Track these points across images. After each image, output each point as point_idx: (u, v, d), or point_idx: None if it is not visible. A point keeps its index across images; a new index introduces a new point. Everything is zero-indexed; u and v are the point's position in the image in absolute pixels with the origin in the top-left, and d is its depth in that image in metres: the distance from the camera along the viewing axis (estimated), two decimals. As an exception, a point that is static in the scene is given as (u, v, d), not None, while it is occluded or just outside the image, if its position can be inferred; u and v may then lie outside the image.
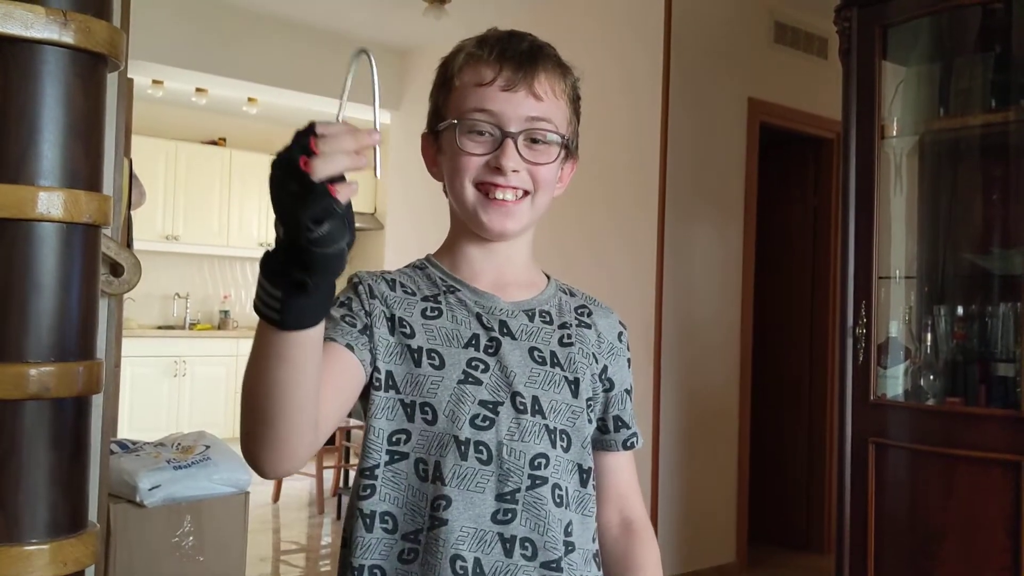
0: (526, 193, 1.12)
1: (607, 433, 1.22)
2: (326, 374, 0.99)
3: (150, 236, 6.60)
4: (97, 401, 1.60)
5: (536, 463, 1.09)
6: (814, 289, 4.88)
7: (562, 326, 1.18)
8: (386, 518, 1.08)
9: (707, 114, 4.28)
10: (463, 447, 1.06)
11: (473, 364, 1.10)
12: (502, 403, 1.09)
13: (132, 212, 3.10)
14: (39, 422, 1.14)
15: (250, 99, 6.69)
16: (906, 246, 2.98)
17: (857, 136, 2.86)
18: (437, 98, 1.18)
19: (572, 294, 1.25)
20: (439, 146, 1.16)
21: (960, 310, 2.83)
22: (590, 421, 1.16)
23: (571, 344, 1.16)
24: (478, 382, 1.09)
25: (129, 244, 2.99)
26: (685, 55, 4.16)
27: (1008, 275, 2.74)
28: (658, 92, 4.09)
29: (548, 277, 1.25)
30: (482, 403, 1.08)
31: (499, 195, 1.11)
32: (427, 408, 1.07)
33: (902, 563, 2.71)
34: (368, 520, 1.08)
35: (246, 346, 7.40)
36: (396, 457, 1.08)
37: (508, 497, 1.07)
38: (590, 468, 1.15)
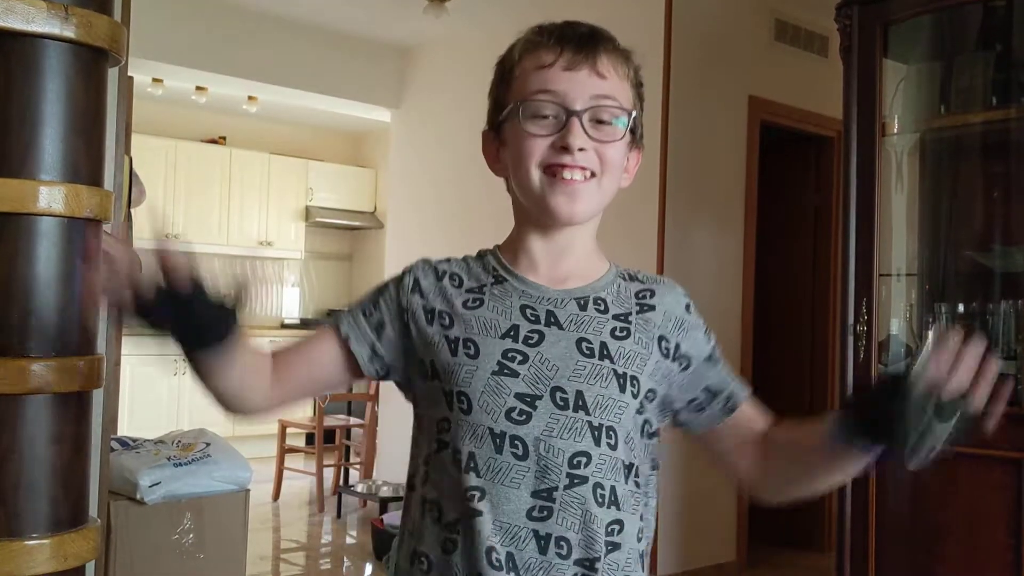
0: (593, 175, 1.10)
1: (702, 411, 1.18)
2: (305, 346, 1.17)
3: (150, 234, 6.59)
4: (98, 397, 1.60)
5: (576, 461, 1.05)
6: (815, 287, 4.88)
7: (618, 316, 1.13)
8: (434, 507, 1.08)
9: (707, 112, 4.28)
10: (498, 440, 1.05)
11: (509, 355, 1.08)
12: (540, 397, 1.06)
13: (132, 210, 3.10)
14: (40, 417, 1.14)
15: (250, 97, 6.69)
16: (907, 244, 2.98)
17: (858, 134, 2.86)
18: (497, 93, 1.16)
19: (634, 278, 1.20)
20: (501, 140, 1.15)
21: (961, 308, 2.83)
22: (639, 411, 1.10)
23: (626, 336, 1.11)
24: (514, 374, 1.06)
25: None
26: (685, 53, 4.16)
27: (1009, 272, 2.74)
28: (658, 90, 4.09)
29: (611, 264, 1.21)
30: (519, 396, 1.06)
31: (567, 175, 1.08)
32: (463, 397, 1.06)
33: (903, 561, 2.71)
34: (421, 508, 1.10)
35: (246, 345, 7.44)
36: (441, 445, 1.08)
37: (545, 495, 1.04)
38: (638, 466, 1.11)
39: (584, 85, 1.09)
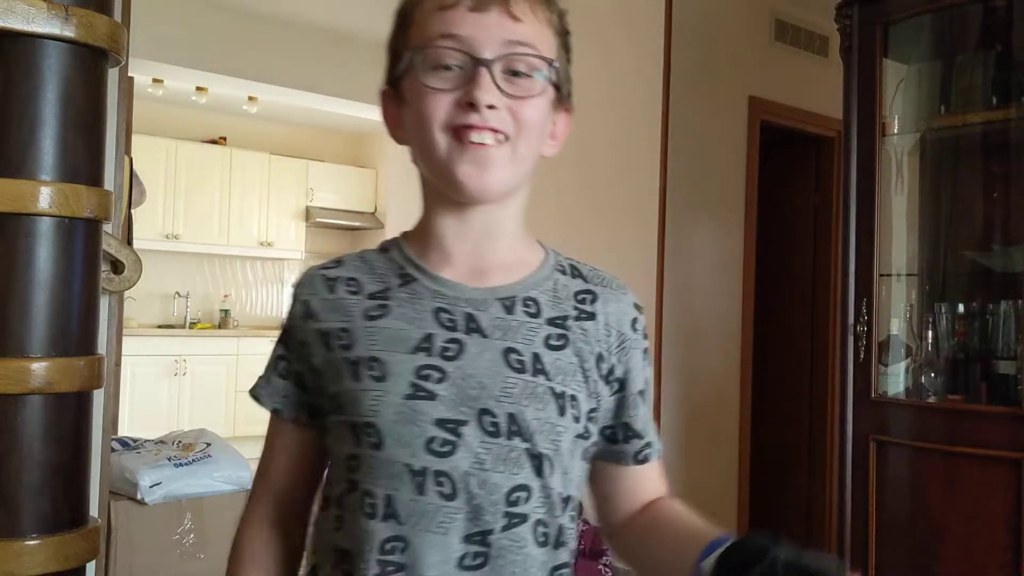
0: (507, 138, 0.90)
1: (615, 443, 1.00)
2: (288, 460, 0.99)
3: (150, 235, 6.60)
4: (98, 397, 1.60)
5: (514, 498, 0.88)
6: (815, 287, 4.88)
7: (553, 321, 0.94)
8: (345, 560, 0.91)
9: (707, 112, 4.28)
10: (419, 478, 0.86)
11: (423, 373, 0.89)
12: (466, 423, 0.87)
13: (132, 210, 3.10)
14: (41, 417, 1.14)
15: (250, 98, 6.69)
16: (907, 244, 2.98)
17: (858, 134, 2.86)
18: (395, 42, 0.97)
19: (576, 273, 1.01)
20: (401, 99, 0.95)
21: (961, 308, 2.83)
22: (584, 436, 0.94)
23: (563, 346, 0.93)
24: (431, 396, 0.88)
25: (129, 242, 2.99)
26: (685, 53, 4.16)
27: (1009, 272, 2.74)
28: (658, 90, 4.09)
29: (547, 253, 1.02)
30: (439, 423, 0.87)
31: (474, 137, 0.89)
32: (371, 430, 0.88)
33: (903, 561, 2.71)
34: (329, 556, 0.93)
35: (247, 345, 7.40)
36: (351, 486, 0.90)
37: (479, 539, 0.87)
38: (572, 497, 0.95)
39: (494, 29, 0.89)
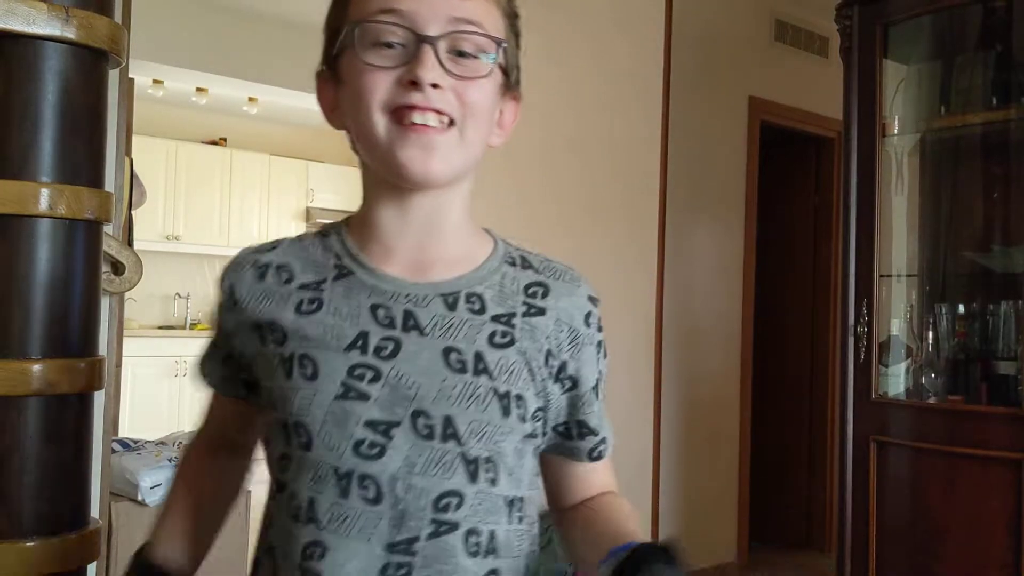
0: (452, 122, 0.85)
1: (569, 439, 0.95)
2: (224, 413, 1.01)
3: (151, 236, 6.60)
4: (99, 399, 1.60)
5: (443, 504, 0.84)
6: (815, 287, 4.88)
7: (498, 318, 0.89)
8: (271, 557, 0.88)
9: (707, 113, 4.28)
10: (344, 481, 0.83)
11: (357, 373, 0.84)
12: (398, 424, 0.83)
13: (133, 212, 3.11)
14: (42, 418, 1.14)
15: (251, 99, 6.69)
16: (907, 244, 2.99)
17: (858, 135, 2.86)
18: (332, 19, 0.91)
19: (526, 265, 0.95)
20: (338, 79, 0.89)
21: (961, 308, 2.83)
22: (533, 435, 0.90)
23: (508, 344, 0.88)
24: (364, 396, 0.84)
25: (130, 244, 3.00)
26: (685, 53, 4.16)
27: (1009, 273, 2.74)
28: (658, 91, 4.09)
29: (496, 244, 0.96)
30: (370, 424, 0.83)
31: (417, 118, 0.83)
32: (301, 429, 0.84)
33: (904, 561, 2.71)
34: (267, 553, 0.90)
35: (247, 346, 7.42)
36: (280, 486, 0.88)
37: (403, 547, 0.83)
38: (522, 497, 0.91)
39: (439, 5, 0.84)
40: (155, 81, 6.01)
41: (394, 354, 0.85)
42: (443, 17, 0.84)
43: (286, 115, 7.28)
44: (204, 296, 7.49)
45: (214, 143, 7.37)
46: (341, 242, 0.92)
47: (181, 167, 7.07)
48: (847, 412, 2.85)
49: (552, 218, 4.21)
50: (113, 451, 2.68)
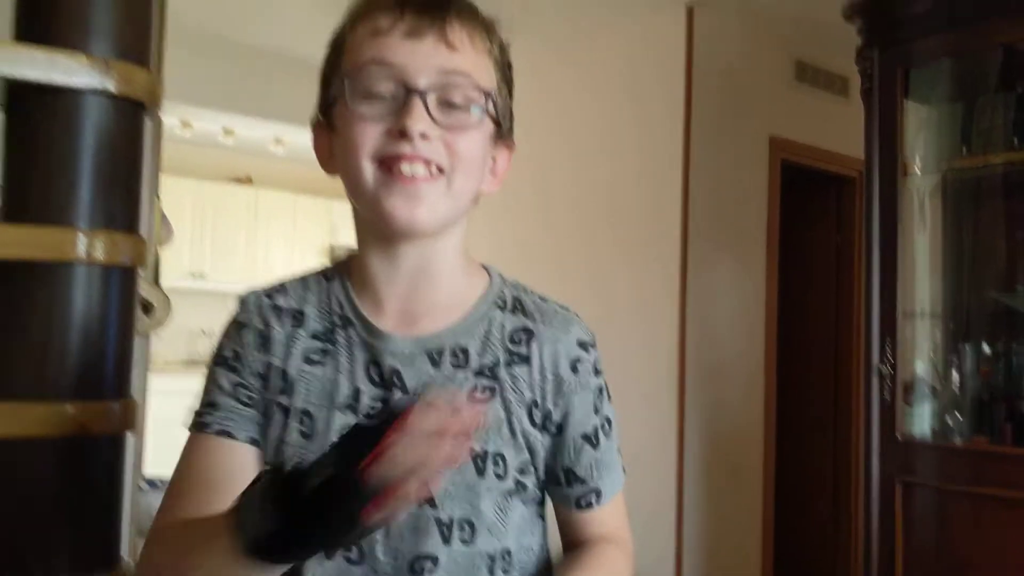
0: (441, 171, 0.85)
1: (557, 485, 0.94)
2: (227, 477, 0.88)
3: (176, 273, 6.67)
4: (129, 439, 1.62)
5: (417, 567, 0.85)
6: (838, 327, 4.86)
7: (482, 371, 0.89)
8: None
9: (728, 152, 4.30)
10: None
11: None
12: None
13: (159, 249, 3.14)
14: (76, 459, 1.16)
15: (277, 139, 6.79)
16: (930, 284, 2.98)
17: (880, 175, 2.86)
18: (327, 70, 0.93)
19: (517, 307, 0.94)
20: (332, 128, 0.91)
21: (985, 347, 2.82)
22: (518, 488, 0.89)
23: (487, 399, 0.89)
24: None
25: (157, 281, 3.03)
26: (706, 94, 4.19)
27: (1033, 313, 2.73)
28: (679, 131, 4.12)
29: (490, 284, 0.95)
30: None
31: (405, 169, 0.83)
32: None
33: (930, 603, 2.68)
34: None
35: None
36: None
37: None
38: (508, 550, 0.90)
39: (429, 56, 0.84)
40: (184, 122, 6.11)
41: None
42: (433, 69, 0.85)
43: (310, 154, 7.32)
44: (228, 333, 7.53)
45: (240, 182, 7.47)
46: (343, 288, 0.93)
47: (208, 205, 7.16)
48: (871, 452, 2.83)
49: (572, 257, 4.24)
50: (139, 489, 2.70)
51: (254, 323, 0.91)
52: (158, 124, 2.38)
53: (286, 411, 0.87)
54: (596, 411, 0.94)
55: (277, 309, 0.91)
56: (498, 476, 0.88)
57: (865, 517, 2.85)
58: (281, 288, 0.94)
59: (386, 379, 0.87)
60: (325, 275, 0.94)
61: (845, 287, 4.83)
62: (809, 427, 4.87)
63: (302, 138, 6.84)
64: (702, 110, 4.19)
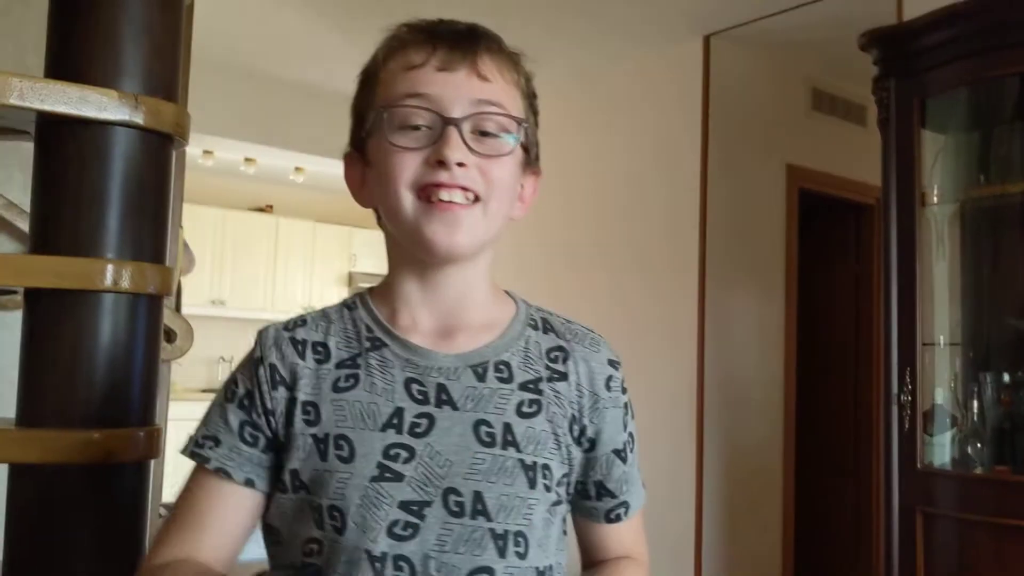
0: (477, 198, 0.89)
1: (587, 499, 0.97)
2: (218, 519, 0.89)
3: (197, 300, 6.72)
4: (154, 467, 1.64)
5: None
6: (857, 356, 4.84)
7: (527, 385, 0.91)
8: None
9: (746, 181, 4.32)
10: (378, 564, 0.82)
11: (392, 453, 0.85)
12: (430, 503, 0.84)
13: (181, 278, 3.18)
14: (102, 485, 1.18)
15: (297, 168, 6.86)
16: (950, 312, 2.97)
17: (897, 203, 2.86)
18: (359, 104, 0.95)
19: (548, 328, 0.97)
20: (366, 161, 0.94)
21: (1006, 377, 2.80)
22: (558, 502, 0.91)
23: (535, 412, 0.90)
24: (398, 477, 0.84)
25: (178, 308, 3.06)
26: (723, 122, 4.21)
27: (1054, 342, 2.71)
28: (697, 159, 4.14)
29: (518, 307, 0.98)
30: (403, 505, 0.84)
31: (444, 196, 0.87)
32: (336, 513, 0.83)
33: (953, 636, 2.65)
34: None
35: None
36: (306, 569, 0.85)
37: None
38: (551, 566, 0.90)
39: (463, 88, 0.88)
40: (206, 152, 6.19)
41: (428, 431, 0.87)
42: (467, 100, 0.88)
43: (331, 183, 7.42)
44: (248, 360, 7.57)
45: (261, 210, 7.54)
46: (370, 313, 0.95)
47: (228, 233, 7.23)
48: (892, 482, 2.81)
49: (592, 285, 4.25)
50: (159, 515, 2.71)
51: (271, 359, 0.91)
52: (181, 154, 2.42)
53: (320, 440, 0.86)
54: (624, 427, 0.97)
55: (298, 342, 0.92)
56: (546, 488, 0.89)
57: (886, 547, 2.83)
58: (301, 321, 0.95)
59: (431, 396, 0.88)
60: (347, 305, 0.97)
61: (864, 316, 4.81)
62: (829, 458, 4.84)
63: (322, 167, 6.96)
64: (720, 138, 4.21)
